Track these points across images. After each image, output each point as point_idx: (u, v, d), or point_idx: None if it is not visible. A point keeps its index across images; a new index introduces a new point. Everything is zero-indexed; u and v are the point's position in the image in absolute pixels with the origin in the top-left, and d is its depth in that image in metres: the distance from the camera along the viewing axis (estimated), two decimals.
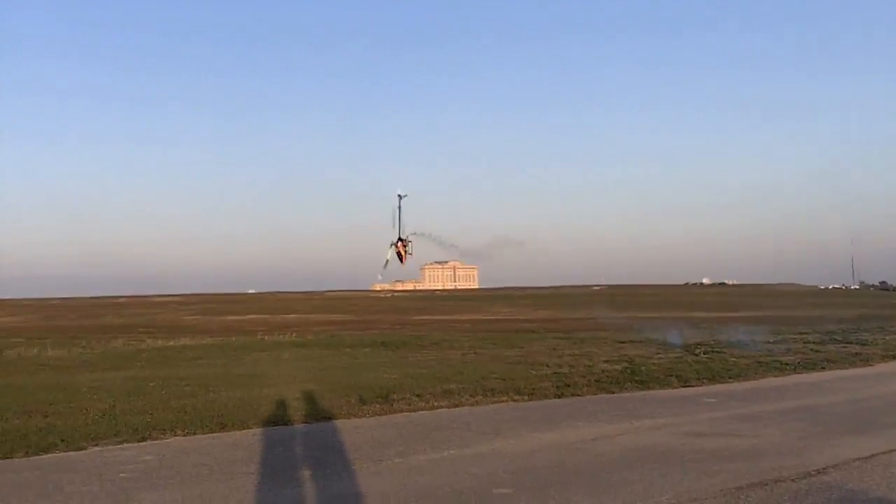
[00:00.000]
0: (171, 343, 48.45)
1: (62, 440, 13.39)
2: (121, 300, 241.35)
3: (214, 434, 14.25)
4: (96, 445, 13.20)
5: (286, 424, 15.16)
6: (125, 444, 13.32)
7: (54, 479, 10.87)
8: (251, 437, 13.82)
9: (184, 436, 14.06)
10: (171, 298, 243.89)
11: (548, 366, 25.91)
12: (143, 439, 13.71)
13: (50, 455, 12.56)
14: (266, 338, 51.57)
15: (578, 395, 19.46)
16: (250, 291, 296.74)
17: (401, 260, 37.31)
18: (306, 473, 11.11)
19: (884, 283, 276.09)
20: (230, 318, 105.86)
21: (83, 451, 12.82)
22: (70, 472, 11.38)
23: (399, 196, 35.23)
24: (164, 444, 13.45)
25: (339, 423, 15.40)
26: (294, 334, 55.37)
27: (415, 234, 36.70)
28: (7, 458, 12.33)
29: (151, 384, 21.55)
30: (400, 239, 37.89)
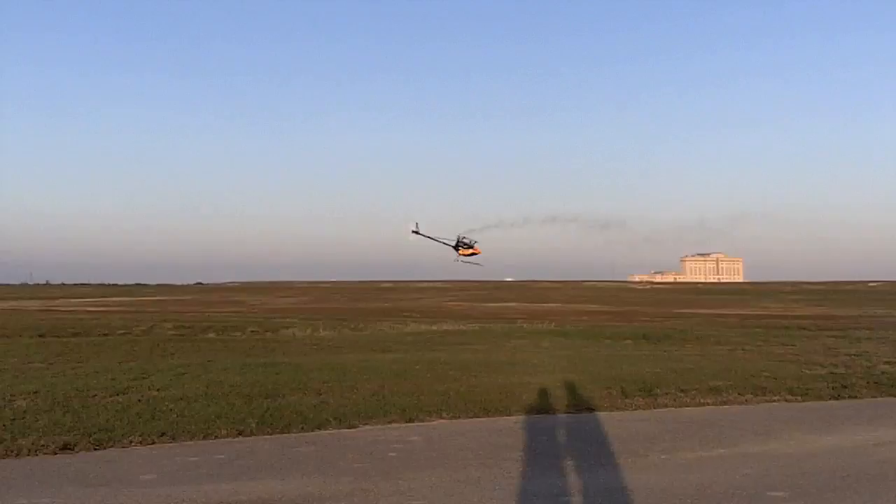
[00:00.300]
0: (434, 328, 49.87)
1: (335, 418, 13.95)
2: (386, 285, 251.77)
3: (478, 419, 14.41)
4: (367, 424, 13.67)
5: (548, 413, 15.11)
6: (393, 424, 13.71)
7: (328, 455, 11.34)
8: (514, 424, 13.86)
9: (449, 419, 14.31)
10: (433, 284, 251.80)
11: (822, 365, 24.44)
12: (411, 420, 14.07)
13: (324, 431, 13.12)
14: (525, 326, 52.03)
15: (856, 398, 18.21)
16: (508, 279, 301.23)
17: (476, 253, 37.56)
18: (570, 463, 10.98)
19: None
20: (490, 304, 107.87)
21: (354, 429, 13.31)
22: (342, 448, 11.83)
23: (414, 231, 35.90)
24: (430, 426, 13.75)
25: (601, 414, 15.17)
26: (553, 323, 55.52)
27: (465, 235, 36.95)
28: (285, 432, 12.99)
29: (417, 367, 22.15)
30: (456, 248, 38.11)
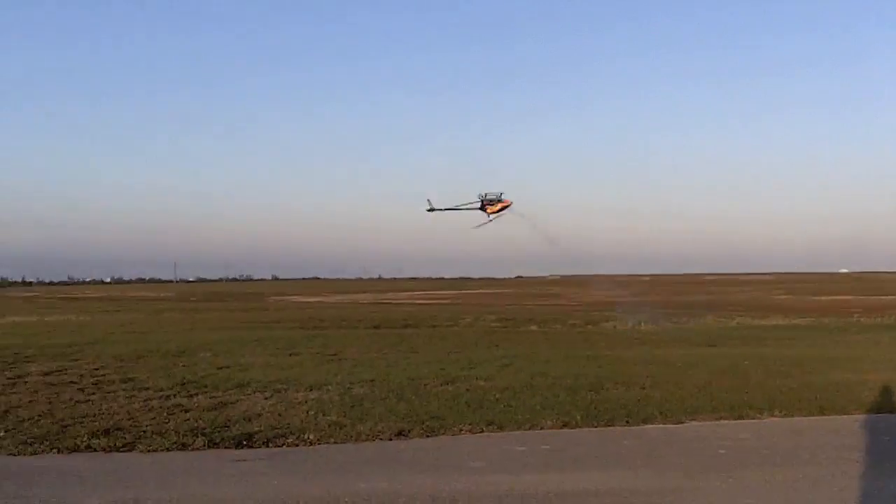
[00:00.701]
0: (762, 322, 47.98)
1: (660, 412, 13.71)
2: (709, 277, 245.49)
3: (813, 417, 13.64)
4: (693, 420, 13.33)
5: (891, 413, 14.05)
6: (722, 421, 13.28)
7: (654, 450, 11.19)
8: (852, 423, 13.00)
9: (781, 417, 13.65)
10: (758, 277, 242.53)
11: None
12: (740, 417, 13.56)
13: (649, 426, 12.94)
14: (863, 320, 48.75)
15: None
16: (842, 271, 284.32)
17: (504, 208, 35.47)
18: None
19: None
20: (821, 298, 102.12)
21: (681, 425, 13.03)
22: (668, 443, 11.63)
23: (429, 210, 34.08)
24: (760, 423, 13.20)
25: None
26: (894, 317, 51.57)
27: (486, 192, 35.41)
28: (609, 425, 12.95)
29: (745, 362, 21.35)
30: (483, 208, 35.66)
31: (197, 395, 15.75)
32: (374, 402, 14.60)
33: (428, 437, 12.10)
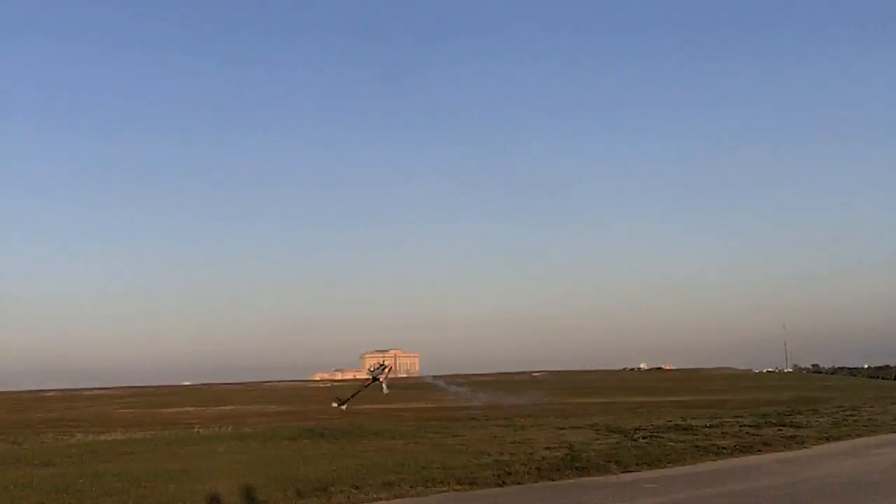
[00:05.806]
0: (102, 437, 47.24)
1: None
2: (49, 394, 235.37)
3: None
4: None
5: None
6: None
7: None
8: None
9: None
10: (101, 392, 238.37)
11: (489, 454, 25.71)
12: None
13: None
14: (201, 430, 50.49)
15: (520, 483, 19.32)
16: (185, 384, 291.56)
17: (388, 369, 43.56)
18: None
19: (816, 365, 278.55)
20: (164, 410, 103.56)
21: None
22: None
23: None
24: None
25: None
26: (231, 427, 54.24)
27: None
28: None
29: (80, 481, 20.87)
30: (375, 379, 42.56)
31: None
32: None
33: None
